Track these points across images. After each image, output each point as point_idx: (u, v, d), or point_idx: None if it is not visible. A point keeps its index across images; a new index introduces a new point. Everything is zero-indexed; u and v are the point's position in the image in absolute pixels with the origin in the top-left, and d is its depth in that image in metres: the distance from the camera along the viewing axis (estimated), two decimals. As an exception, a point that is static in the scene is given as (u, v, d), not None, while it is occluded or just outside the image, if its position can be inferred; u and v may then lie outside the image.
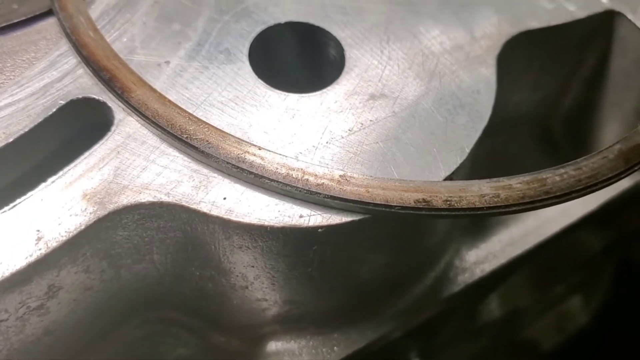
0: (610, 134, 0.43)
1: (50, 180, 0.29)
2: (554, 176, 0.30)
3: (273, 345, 0.37)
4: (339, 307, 0.36)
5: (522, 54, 0.38)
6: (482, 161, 0.43)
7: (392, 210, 0.29)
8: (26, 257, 0.27)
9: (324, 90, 0.33)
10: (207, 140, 0.29)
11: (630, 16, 0.38)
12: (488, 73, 0.35)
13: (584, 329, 0.76)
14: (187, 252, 0.32)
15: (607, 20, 0.39)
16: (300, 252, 0.30)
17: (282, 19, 0.36)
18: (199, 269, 0.33)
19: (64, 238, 0.28)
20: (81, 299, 0.31)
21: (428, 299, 0.38)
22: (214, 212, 0.29)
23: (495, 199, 0.29)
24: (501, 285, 0.51)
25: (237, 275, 0.32)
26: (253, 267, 0.32)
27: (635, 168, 0.32)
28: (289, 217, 0.29)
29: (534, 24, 0.37)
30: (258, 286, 0.33)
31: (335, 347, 0.36)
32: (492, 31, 0.36)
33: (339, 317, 0.37)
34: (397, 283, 0.37)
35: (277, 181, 0.29)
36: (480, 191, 0.29)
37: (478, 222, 0.41)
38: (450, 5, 0.37)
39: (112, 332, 0.34)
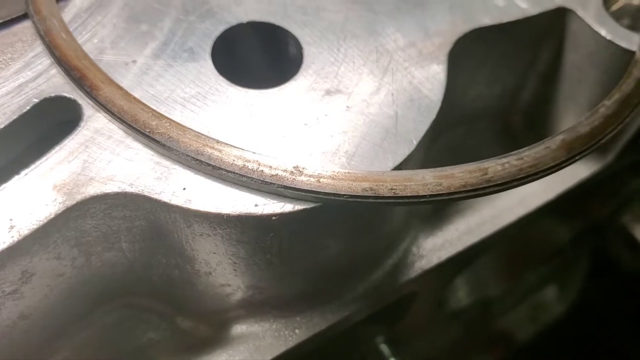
0: (567, 126, 0.45)
1: (23, 173, 0.31)
2: (496, 165, 0.32)
3: (238, 329, 0.39)
4: (301, 291, 0.38)
5: (477, 50, 0.40)
6: (442, 154, 0.45)
7: (341, 198, 0.31)
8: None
9: (282, 86, 0.35)
10: (168, 135, 0.31)
11: (580, 13, 0.40)
12: (439, 69, 0.36)
13: (559, 319, 0.78)
14: (153, 240, 0.34)
15: (559, 16, 0.41)
16: (258, 239, 0.32)
17: (244, 18, 0.38)
18: (165, 256, 0.35)
19: (35, 226, 0.30)
20: (54, 284, 0.33)
21: (387, 284, 0.40)
22: (174, 202, 0.31)
23: (438, 187, 0.31)
24: (463, 273, 0.53)
25: (201, 262, 0.34)
26: (215, 253, 0.34)
27: (577, 158, 0.34)
28: (245, 205, 0.31)
29: (486, 20, 0.39)
30: (221, 272, 0.35)
31: (297, 330, 0.38)
32: (445, 28, 0.38)
33: (301, 301, 0.39)
34: (357, 268, 0.39)
35: (234, 172, 0.31)
36: (424, 180, 0.31)
37: (437, 211, 0.43)
38: (407, 3, 0.39)
39: (85, 317, 0.36)
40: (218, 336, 0.38)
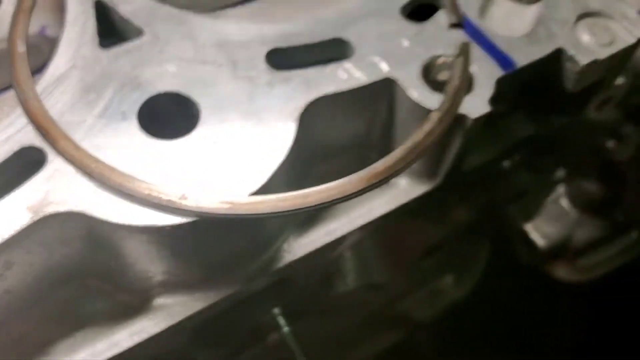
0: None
1: (5, 198, 0.48)
2: (317, 192, 0.49)
3: (159, 301, 0.56)
4: (200, 275, 0.56)
5: (327, 109, 0.57)
6: (326, 177, 0.62)
7: (209, 215, 0.48)
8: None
9: (184, 137, 0.52)
10: (102, 173, 0.48)
11: (400, 81, 0.57)
12: (293, 125, 0.53)
13: (457, 304, 0.95)
14: (94, 242, 0.51)
15: (387, 83, 0.57)
16: (160, 242, 0.50)
17: (162, 90, 0.55)
18: (103, 252, 0.52)
19: (14, 232, 0.47)
20: (28, 270, 0.50)
21: (266, 270, 0.57)
22: (106, 218, 0.48)
23: (279, 205, 0.48)
24: (348, 262, 0.70)
25: (127, 256, 0.52)
26: (135, 251, 0.51)
27: (373, 187, 0.51)
28: (149, 219, 0.48)
29: (331, 89, 0.56)
30: (142, 263, 0.52)
31: (199, 300, 0.55)
32: (299, 96, 0.55)
33: (203, 281, 0.56)
34: (239, 261, 0.57)
35: (144, 199, 0.48)
36: (269, 201, 0.48)
37: (307, 219, 0.60)
38: (276, 79, 0.56)
39: (50, 292, 0.54)
40: (145, 306, 0.56)
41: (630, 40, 0.62)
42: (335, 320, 0.77)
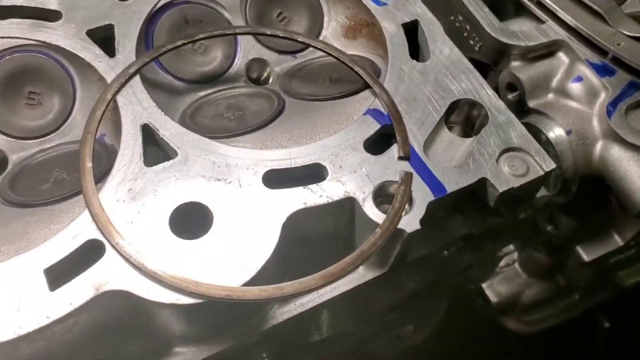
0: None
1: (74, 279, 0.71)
2: (290, 286, 0.70)
3: (176, 350, 0.78)
4: (204, 334, 0.78)
5: (303, 218, 0.78)
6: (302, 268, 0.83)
7: (212, 299, 0.69)
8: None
9: (200, 238, 0.74)
10: (142, 263, 0.71)
11: (359, 200, 0.78)
12: (277, 232, 0.75)
13: (417, 346, 1.15)
14: (133, 308, 0.73)
15: (349, 200, 0.78)
16: (179, 314, 0.72)
17: (188, 200, 0.76)
18: (140, 315, 0.74)
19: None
20: (88, 325, 0.72)
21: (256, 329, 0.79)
22: (142, 295, 0.70)
23: (253, 294, 0.69)
24: (322, 317, 0.91)
25: (150, 323, 0.74)
26: (155, 318, 0.73)
27: (329, 284, 0.72)
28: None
29: (310, 203, 0.77)
30: (162, 326, 0.75)
31: (204, 350, 0.77)
32: (283, 208, 0.76)
33: (207, 337, 0.78)
34: (236, 324, 0.78)
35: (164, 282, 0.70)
36: (250, 292, 0.69)
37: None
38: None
39: (100, 339, 0.76)
40: (166, 352, 0.78)
41: (540, 172, 0.82)
42: (312, 358, 0.99)
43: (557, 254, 1.16)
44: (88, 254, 0.73)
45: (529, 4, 1.03)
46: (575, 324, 1.24)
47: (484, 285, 1.20)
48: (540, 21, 1.01)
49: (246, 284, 0.71)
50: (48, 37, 0.89)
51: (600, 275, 1.15)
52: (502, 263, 1.19)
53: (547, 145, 0.96)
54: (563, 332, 1.24)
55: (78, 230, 0.73)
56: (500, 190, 0.80)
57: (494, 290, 1.20)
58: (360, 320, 0.99)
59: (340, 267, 0.72)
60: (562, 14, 0.99)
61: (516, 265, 1.21)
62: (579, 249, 1.06)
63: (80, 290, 0.69)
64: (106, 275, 0.70)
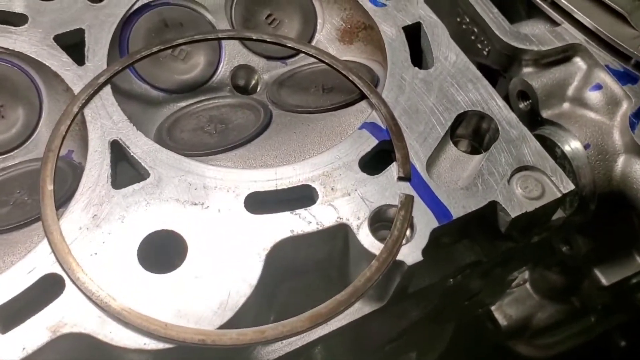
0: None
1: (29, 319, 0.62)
2: (272, 329, 0.62)
3: None
4: None
5: (290, 246, 0.69)
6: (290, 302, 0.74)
7: (185, 344, 0.61)
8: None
9: (172, 272, 0.65)
10: (106, 303, 0.62)
11: (353, 228, 0.69)
12: (261, 263, 0.66)
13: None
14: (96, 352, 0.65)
15: (342, 227, 0.70)
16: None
17: (159, 228, 0.68)
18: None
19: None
20: None
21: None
22: (102, 339, 0.61)
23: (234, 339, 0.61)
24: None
25: None
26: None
27: (318, 325, 0.63)
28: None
29: (297, 231, 0.68)
30: None
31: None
32: (267, 237, 0.67)
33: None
34: None
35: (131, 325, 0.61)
36: (226, 335, 0.61)
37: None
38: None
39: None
40: None
41: (557, 194, 0.73)
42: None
43: (572, 273, 1.07)
44: (45, 290, 0.65)
45: (542, 4, 0.94)
46: (590, 342, 1.15)
47: (492, 308, 1.11)
48: (554, 23, 0.92)
49: (223, 326, 0.63)
50: (12, 43, 0.81)
51: (619, 297, 1.06)
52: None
53: (563, 160, 0.87)
54: (577, 351, 1.15)
55: (35, 263, 0.65)
56: (513, 216, 0.71)
57: (503, 312, 1.11)
58: (359, 352, 0.91)
59: (330, 306, 0.63)
60: (579, 15, 0.90)
61: (527, 285, 1.12)
62: (597, 272, 0.97)
63: (34, 333, 0.61)
64: (65, 316, 0.62)
